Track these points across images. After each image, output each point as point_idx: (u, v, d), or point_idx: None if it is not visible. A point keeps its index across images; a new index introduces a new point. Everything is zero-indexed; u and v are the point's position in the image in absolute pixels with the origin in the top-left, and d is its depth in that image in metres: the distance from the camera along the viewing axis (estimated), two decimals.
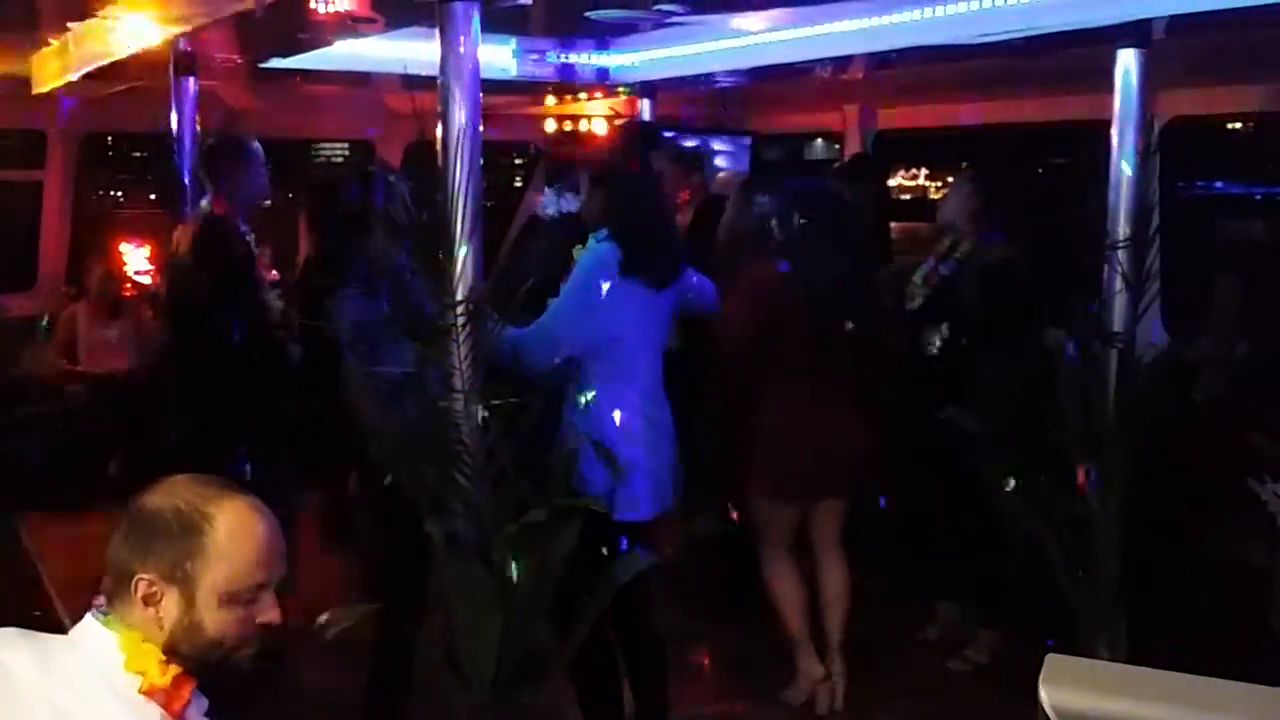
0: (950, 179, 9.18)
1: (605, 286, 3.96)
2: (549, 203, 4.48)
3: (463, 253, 3.16)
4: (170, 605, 1.87)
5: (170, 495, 1.92)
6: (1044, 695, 1.66)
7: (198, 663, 1.89)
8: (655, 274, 4.03)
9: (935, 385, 4.76)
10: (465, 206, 3.15)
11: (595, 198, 4.15)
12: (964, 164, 7.53)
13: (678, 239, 4.44)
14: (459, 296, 3.18)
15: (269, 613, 1.94)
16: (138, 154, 9.30)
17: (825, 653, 4.72)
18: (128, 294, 7.94)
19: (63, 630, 1.95)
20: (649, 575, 4.02)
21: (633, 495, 3.87)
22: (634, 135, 4.57)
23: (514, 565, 3.22)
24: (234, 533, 1.90)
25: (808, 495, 4.65)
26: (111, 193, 9.52)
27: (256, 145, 5.07)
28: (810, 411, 4.50)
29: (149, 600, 1.87)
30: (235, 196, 4.94)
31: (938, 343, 4.95)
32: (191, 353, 4.97)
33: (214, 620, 1.88)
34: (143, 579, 1.87)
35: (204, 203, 5.02)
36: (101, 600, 1.92)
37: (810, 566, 4.77)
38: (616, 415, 3.95)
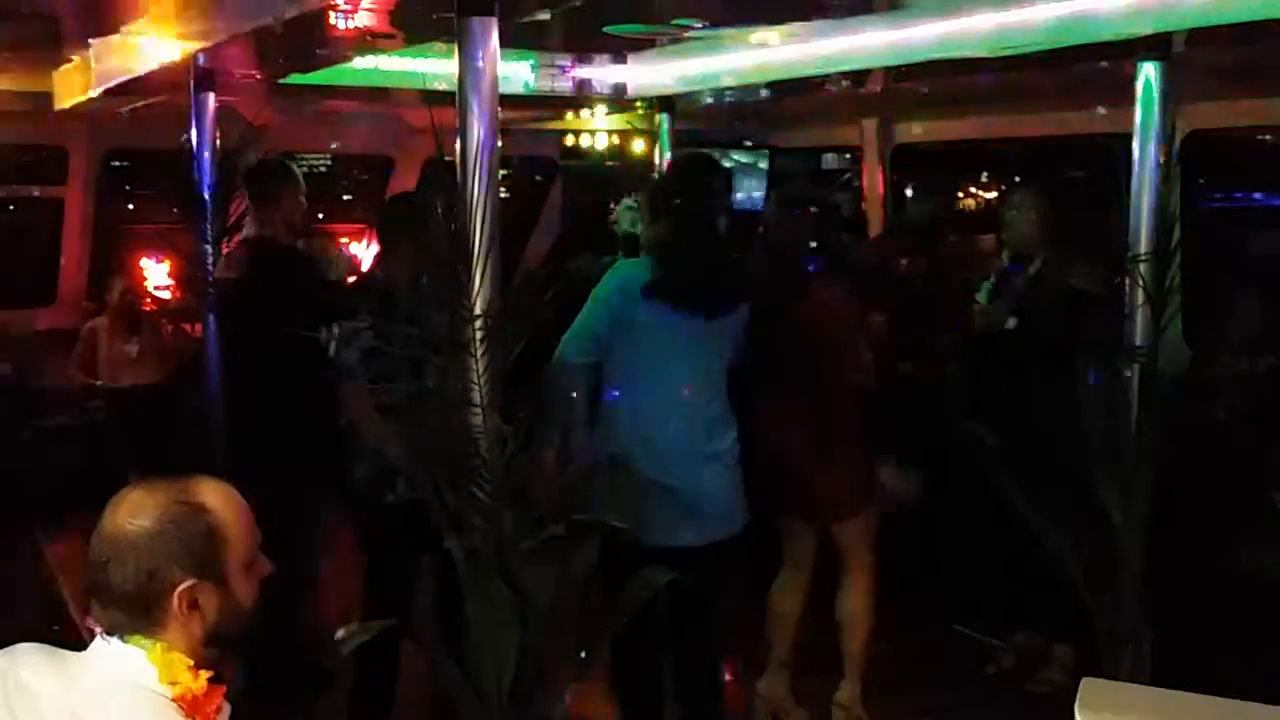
0: (972, 191, 9.20)
1: (626, 306, 3.95)
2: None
3: (481, 267, 3.16)
4: (210, 599, 1.91)
5: (145, 508, 1.91)
6: None
7: (228, 641, 1.95)
8: (702, 302, 4.00)
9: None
10: (484, 221, 3.15)
11: (657, 225, 4.13)
12: (984, 175, 7.50)
13: (732, 269, 4.33)
14: (477, 310, 3.17)
15: (266, 566, 2.03)
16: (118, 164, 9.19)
17: (843, 676, 4.68)
18: (147, 309, 7.98)
19: (82, 644, 1.95)
20: (707, 605, 4.01)
21: (667, 521, 3.84)
22: (697, 165, 4.57)
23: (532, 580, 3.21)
24: (226, 506, 1.96)
25: (805, 514, 4.61)
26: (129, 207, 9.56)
27: (295, 166, 5.15)
28: (779, 430, 4.49)
29: (193, 605, 1.90)
30: (281, 217, 4.98)
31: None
32: (245, 373, 4.96)
33: (244, 593, 1.96)
34: (184, 588, 1.89)
35: (258, 229, 5.05)
36: (99, 631, 1.91)
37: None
38: (643, 438, 3.94)
